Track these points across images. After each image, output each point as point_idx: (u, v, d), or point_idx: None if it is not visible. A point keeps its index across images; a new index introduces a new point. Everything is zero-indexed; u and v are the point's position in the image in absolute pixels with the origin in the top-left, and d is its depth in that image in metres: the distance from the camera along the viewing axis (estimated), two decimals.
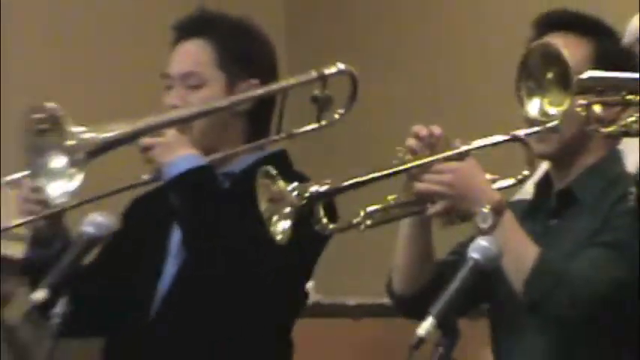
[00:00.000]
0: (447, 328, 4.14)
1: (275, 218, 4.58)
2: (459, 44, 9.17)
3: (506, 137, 4.73)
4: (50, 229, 5.23)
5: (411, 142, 4.66)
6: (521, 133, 4.75)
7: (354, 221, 4.66)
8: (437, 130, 4.67)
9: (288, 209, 4.53)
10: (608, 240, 4.77)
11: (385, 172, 4.64)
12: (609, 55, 4.74)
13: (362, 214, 4.65)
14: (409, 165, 4.62)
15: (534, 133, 4.70)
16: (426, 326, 3.96)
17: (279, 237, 4.52)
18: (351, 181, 4.66)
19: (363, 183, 4.67)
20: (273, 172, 4.50)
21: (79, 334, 5.28)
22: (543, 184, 4.99)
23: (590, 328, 4.77)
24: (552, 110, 4.55)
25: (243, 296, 5.05)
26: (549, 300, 4.70)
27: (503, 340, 5.01)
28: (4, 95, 9.10)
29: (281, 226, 4.56)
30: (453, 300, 4.10)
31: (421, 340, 3.96)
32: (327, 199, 4.68)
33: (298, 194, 4.52)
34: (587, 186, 4.94)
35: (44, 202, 5.09)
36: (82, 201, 5.07)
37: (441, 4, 9.59)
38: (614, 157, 5.08)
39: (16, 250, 6.08)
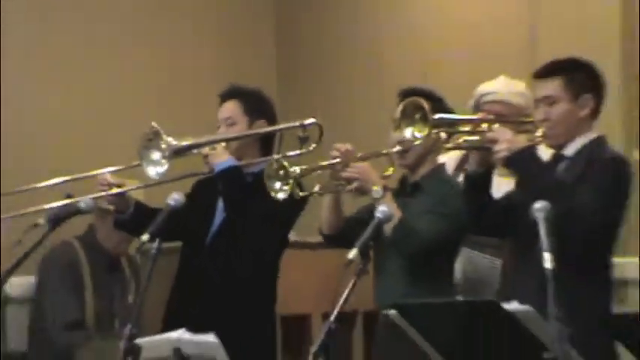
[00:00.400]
0: (364, 254, 5.27)
1: (279, 185, 6.16)
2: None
3: (384, 152, 6.38)
4: (121, 204, 6.71)
5: (335, 153, 6.24)
6: (392, 149, 6.32)
7: (313, 191, 6.33)
8: (349, 146, 6.27)
9: (287, 179, 6.12)
10: (439, 210, 6.34)
11: (328, 163, 6.24)
12: (442, 109, 6.01)
13: (316, 187, 6.31)
14: (338, 161, 6.21)
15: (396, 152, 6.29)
16: (353, 253, 5.24)
17: (280, 195, 6.15)
18: (313, 166, 6.25)
19: (319, 168, 6.28)
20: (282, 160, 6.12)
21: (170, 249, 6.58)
22: (404, 179, 6.55)
23: (426, 258, 6.29)
24: (418, 135, 5.79)
25: (255, 238, 6.62)
26: (404, 241, 6.26)
27: (379, 264, 6.43)
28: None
29: (282, 191, 6.19)
30: (367, 239, 5.35)
31: (350, 261, 5.26)
32: (301, 177, 6.24)
33: (290, 172, 6.09)
34: (428, 181, 6.48)
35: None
36: (167, 180, 6.50)
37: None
38: (441, 165, 6.64)
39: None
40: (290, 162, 6.23)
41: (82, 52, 8.90)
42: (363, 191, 6.30)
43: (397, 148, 6.34)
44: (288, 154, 6.48)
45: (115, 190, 6.56)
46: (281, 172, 6.21)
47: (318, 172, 6.37)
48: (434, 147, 6.32)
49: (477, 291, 6.78)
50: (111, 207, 7.04)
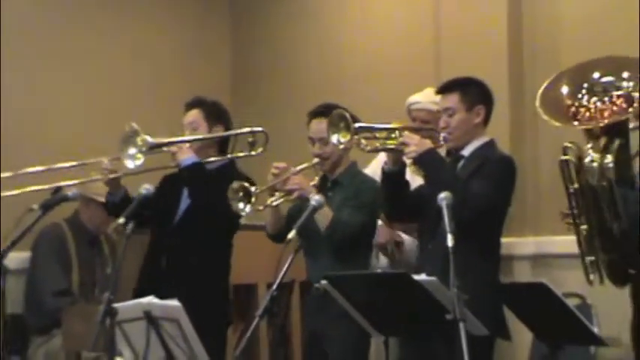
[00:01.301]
0: (300, 234, 5.53)
1: (242, 205, 6.19)
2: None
3: (309, 164, 6.42)
4: (115, 187, 6.64)
5: (274, 170, 6.27)
6: (313, 162, 6.43)
7: (267, 204, 6.31)
8: (284, 164, 6.29)
9: (249, 197, 6.17)
10: (356, 203, 6.38)
11: (272, 183, 6.26)
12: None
13: (269, 201, 6.32)
14: (275, 181, 6.25)
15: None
16: (292, 234, 5.49)
17: (245, 212, 6.18)
18: (265, 187, 6.30)
19: (270, 187, 6.29)
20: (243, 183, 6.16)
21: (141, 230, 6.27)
22: (324, 177, 6.53)
23: (350, 243, 6.31)
24: (343, 140, 5.91)
25: (212, 220, 6.52)
26: (335, 234, 6.28)
27: (310, 250, 6.40)
28: None
29: (244, 210, 6.21)
30: (303, 222, 5.60)
31: (289, 240, 5.50)
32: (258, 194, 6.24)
33: (250, 191, 6.15)
34: (345, 177, 6.49)
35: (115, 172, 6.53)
36: (142, 170, 6.43)
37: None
38: (354, 163, 6.58)
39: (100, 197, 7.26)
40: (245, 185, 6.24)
41: (69, 60, 8.60)
42: (303, 198, 6.27)
43: (315, 160, 6.44)
44: (238, 155, 6.65)
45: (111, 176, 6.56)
46: (241, 193, 6.22)
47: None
48: (345, 152, 6.32)
49: (404, 265, 6.76)
50: (94, 195, 7.25)
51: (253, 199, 6.25)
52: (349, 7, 8.67)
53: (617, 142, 5.62)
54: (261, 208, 6.37)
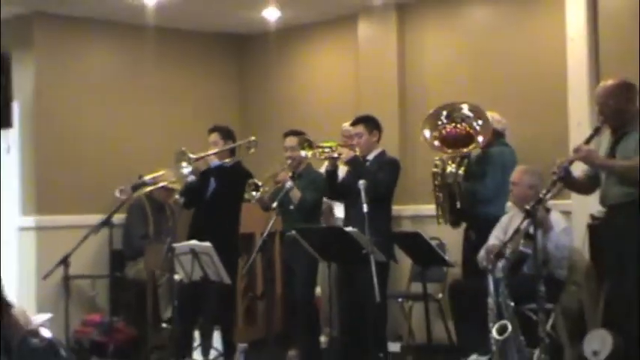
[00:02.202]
0: (279, 205, 5.94)
1: (254, 194, 6.20)
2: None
3: (287, 165, 6.29)
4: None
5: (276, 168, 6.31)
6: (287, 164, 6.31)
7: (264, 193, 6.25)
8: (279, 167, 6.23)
9: (257, 189, 6.17)
10: (312, 187, 6.30)
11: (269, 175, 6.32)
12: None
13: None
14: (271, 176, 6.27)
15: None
16: (275, 204, 5.77)
17: (255, 198, 6.20)
18: (265, 180, 6.26)
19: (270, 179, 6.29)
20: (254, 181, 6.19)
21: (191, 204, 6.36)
22: (294, 173, 6.24)
23: (311, 210, 6.29)
24: (305, 153, 5.92)
25: (229, 198, 6.38)
26: (300, 207, 6.22)
27: (285, 215, 6.25)
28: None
29: (253, 192, 6.20)
30: (281, 198, 5.88)
31: (274, 208, 5.82)
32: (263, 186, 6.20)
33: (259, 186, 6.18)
34: (305, 173, 6.35)
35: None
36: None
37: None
38: (310, 164, 6.41)
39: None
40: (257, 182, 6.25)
41: (139, 103, 8.10)
42: (282, 183, 6.26)
43: (289, 161, 6.39)
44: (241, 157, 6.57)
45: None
46: (252, 186, 6.29)
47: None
48: (306, 158, 6.26)
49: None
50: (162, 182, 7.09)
51: (260, 190, 6.29)
52: (307, 72, 8.44)
53: (465, 161, 6.08)
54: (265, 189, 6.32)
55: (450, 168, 6.05)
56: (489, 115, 6.12)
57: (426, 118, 6.26)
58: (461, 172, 6.06)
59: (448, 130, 6.08)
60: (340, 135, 6.74)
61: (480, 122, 6.10)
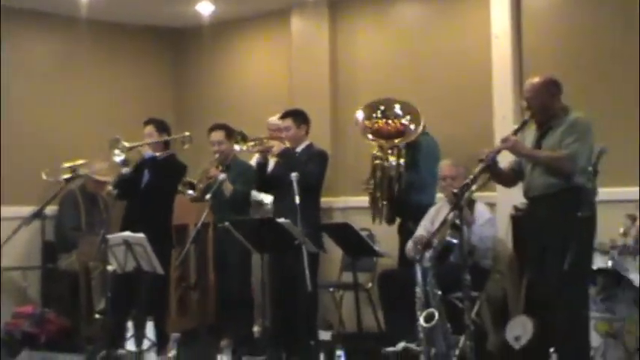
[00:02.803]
0: (212, 197, 5.95)
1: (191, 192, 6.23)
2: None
3: (215, 159, 6.36)
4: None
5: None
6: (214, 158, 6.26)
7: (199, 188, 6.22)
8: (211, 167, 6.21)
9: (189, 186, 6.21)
10: (242, 180, 6.25)
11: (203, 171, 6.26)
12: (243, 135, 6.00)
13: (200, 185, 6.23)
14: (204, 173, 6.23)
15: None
16: (208, 196, 5.83)
17: (187, 192, 6.23)
18: (199, 176, 6.24)
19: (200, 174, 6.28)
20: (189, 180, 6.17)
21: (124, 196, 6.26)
22: (224, 165, 6.25)
23: (241, 201, 6.26)
24: (239, 147, 6.04)
25: (162, 189, 6.29)
26: (232, 198, 6.15)
27: (217, 206, 6.12)
28: None
29: (189, 191, 6.25)
30: (214, 191, 5.93)
31: (207, 199, 5.88)
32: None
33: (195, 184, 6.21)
34: (232, 164, 6.30)
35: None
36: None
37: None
38: (236, 156, 6.36)
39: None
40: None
41: (72, 93, 8.00)
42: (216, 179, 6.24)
43: (216, 155, 6.38)
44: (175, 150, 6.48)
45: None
46: (187, 185, 6.30)
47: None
48: (232, 150, 6.29)
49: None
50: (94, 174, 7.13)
51: (196, 188, 6.29)
52: (240, 66, 8.38)
53: (403, 152, 6.13)
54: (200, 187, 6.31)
55: (392, 159, 6.06)
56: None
57: (365, 106, 6.31)
58: (402, 162, 6.09)
59: (380, 125, 6.20)
60: (266, 129, 6.69)
61: (408, 117, 6.20)
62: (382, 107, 6.31)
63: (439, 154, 6.18)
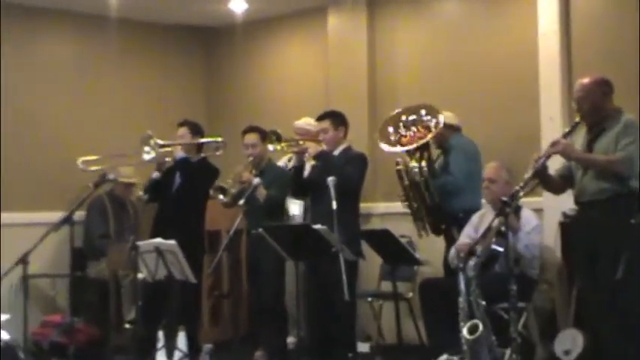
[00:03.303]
0: (245, 203, 5.99)
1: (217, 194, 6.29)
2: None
3: (248, 162, 6.41)
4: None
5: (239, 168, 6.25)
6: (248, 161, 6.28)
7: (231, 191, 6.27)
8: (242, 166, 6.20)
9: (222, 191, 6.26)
10: (277, 184, 6.30)
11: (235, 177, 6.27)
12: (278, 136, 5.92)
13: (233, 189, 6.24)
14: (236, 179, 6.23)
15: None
16: (242, 202, 5.84)
17: (218, 197, 6.28)
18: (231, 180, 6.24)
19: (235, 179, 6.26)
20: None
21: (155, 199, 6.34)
22: (258, 169, 6.37)
23: (275, 206, 6.29)
24: (273, 147, 5.94)
25: (195, 194, 6.32)
26: (267, 202, 6.19)
27: (249, 212, 6.16)
28: None
29: (220, 196, 6.28)
30: (248, 196, 5.93)
31: (241, 206, 5.93)
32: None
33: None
34: (267, 169, 6.38)
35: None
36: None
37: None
38: (271, 159, 6.48)
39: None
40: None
41: (104, 92, 8.03)
42: (250, 183, 6.25)
43: (250, 158, 6.38)
44: (208, 154, 6.48)
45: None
46: (219, 190, 6.33)
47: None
48: (266, 153, 6.34)
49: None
50: (123, 178, 7.12)
51: (227, 193, 6.29)
52: (275, 66, 8.39)
53: (425, 154, 5.98)
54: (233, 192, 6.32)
55: (413, 163, 6.06)
56: (443, 114, 6.21)
57: (380, 134, 6.25)
58: (424, 164, 6.07)
59: (407, 140, 6.14)
60: (293, 133, 6.62)
61: (429, 117, 6.16)
62: (402, 117, 6.26)
63: (476, 156, 6.16)
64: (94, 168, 6.31)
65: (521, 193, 4.71)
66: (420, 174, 6.01)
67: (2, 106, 7.34)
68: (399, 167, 6.15)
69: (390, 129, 6.13)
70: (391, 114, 6.24)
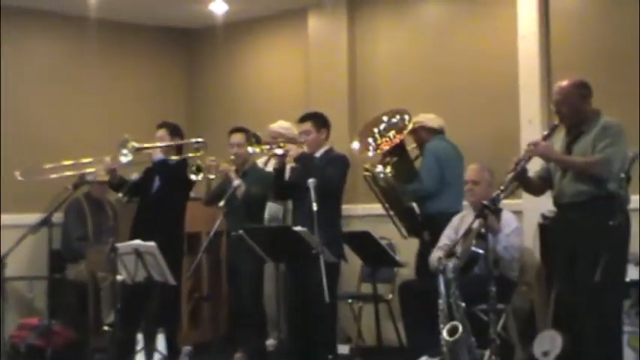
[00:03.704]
0: (226, 204, 5.99)
1: (194, 177, 6.14)
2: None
3: (230, 159, 6.47)
4: (114, 174, 6.28)
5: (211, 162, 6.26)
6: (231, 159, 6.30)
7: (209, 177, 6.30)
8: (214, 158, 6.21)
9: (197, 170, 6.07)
10: (260, 183, 6.30)
11: (209, 163, 6.31)
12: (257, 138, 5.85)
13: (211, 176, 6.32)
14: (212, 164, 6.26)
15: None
16: (222, 203, 5.81)
17: (192, 177, 6.12)
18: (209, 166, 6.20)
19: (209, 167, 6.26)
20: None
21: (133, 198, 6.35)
22: (241, 170, 6.39)
23: (254, 205, 6.30)
24: (253, 149, 5.81)
25: (173, 196, 6.24)
26: (245, 201, 6.23)
27: (230, 212, 6.22)
28: None
29: (193, 175, 6.14)
30: (228, 196, 5.97)
31: (221, 207, 5.92)
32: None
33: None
34: (249, 170, 6.43)
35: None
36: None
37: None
38: (255, 162, 6.48)
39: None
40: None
41: (84, 94, 8.05)
42: (228, 177, 6.31)
43: (232, 157, 6.40)
44: (189, 156, 6.43)
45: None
46: (194, 168, 6.21)
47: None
48: (248, 157, 6.33)
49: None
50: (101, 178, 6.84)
51: (201, 174, 6.22)
52: (256, 67, 8.40)
53: (393, 159, 6.12)
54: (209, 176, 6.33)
55: (379, 168, 6.10)
56: (422, 116, 6.30)
57: (359, 136, 6.36)
58: (388, 169, 6.10)
59: (386, 148, 6.23)
60: (267, 136, 6.58)
61: (406, 119, 6.25)
62: (375, 129, 6.37)
63: (452, 159, 6.19)
64: (68, 173, 6.35)
65: (502, 196, 4.73)
66: (384, 179, 6.02)
67: None
68: (366, 173, 6.19)
69: (370, 139, 6.25)
70: (365, 124, 6.36)
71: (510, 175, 4.74)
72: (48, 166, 6.40)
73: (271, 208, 6.65)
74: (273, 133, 6.73)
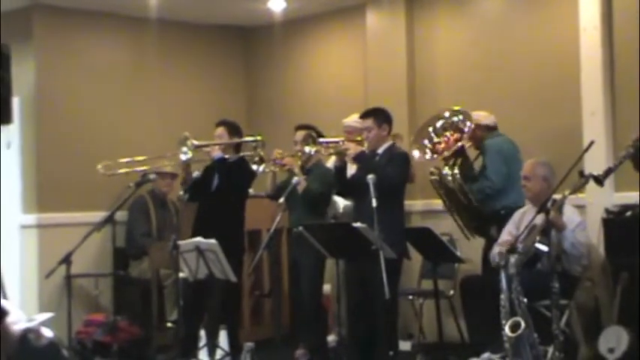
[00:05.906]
0: (286, 200, 5.94)
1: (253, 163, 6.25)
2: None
3: (295, 155, 6.31)
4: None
5: (276, 154, 6.22)
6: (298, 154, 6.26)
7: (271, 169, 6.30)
8: (281, 150, 6.22)
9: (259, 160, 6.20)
10: (320, 180, 6.30)
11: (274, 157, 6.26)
12: (320, 135, 6.08)
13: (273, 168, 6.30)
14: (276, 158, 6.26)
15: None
16: (281, 200, 5.73)
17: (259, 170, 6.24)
18: (271, 159, 6.23)
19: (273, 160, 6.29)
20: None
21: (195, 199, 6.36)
22: (303, 166, 6.34)
23: (317, 202, 6.28)
24: (309, 149, 6.00)
25: (233, 192, 6.38)
26: (307, 195, 6.20)
27: (290, 208, 6.22)
28: None
29: (255, 165, 6.25)
30: (288, 193, 5.89)
31: (280, 203, 5.83)
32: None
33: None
34: (314, 167, 6.42)
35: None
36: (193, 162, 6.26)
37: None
38: (320, 160, 6.48)
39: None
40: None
41: (149, 96, 8.11)
42: (292, 172, 6.33)
43: (299, 154, 6.31)
44: (247, 154, 6.47)
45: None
46: (257, 158, 6.29)
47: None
48: (314, 155, 6.31)
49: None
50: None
51: (263, 164, 6.29)
52: (313, 65, 8.41)
53: (459, 160, 6.10)
54: (267, 170, 6.35)
55: (446, 170, 6.08)
56: (475, 114, 6.26)
57: (414, 141, 6.39)
58: (456, 170, 6.09)
59: (443, 146, 6.22)
60: (333, 131, 6.60)
61: (467, 123, 6.22)
62: (429, 128, 6.37)
63: (514, 154, 6.16)
64: (130, 170, 6.46)
65: (567, 192, 4.70)
66: (453, 181, 6.00)
67: (43, 108, 7.46)
68: (433, 177, 6.18)
69: (425, 141, 6.25)
70: (420, 125, 6.39)
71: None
72: (124, 160, 6.52)
73: (345, 204, 6.66)
74: (348, 127, 6.73)
